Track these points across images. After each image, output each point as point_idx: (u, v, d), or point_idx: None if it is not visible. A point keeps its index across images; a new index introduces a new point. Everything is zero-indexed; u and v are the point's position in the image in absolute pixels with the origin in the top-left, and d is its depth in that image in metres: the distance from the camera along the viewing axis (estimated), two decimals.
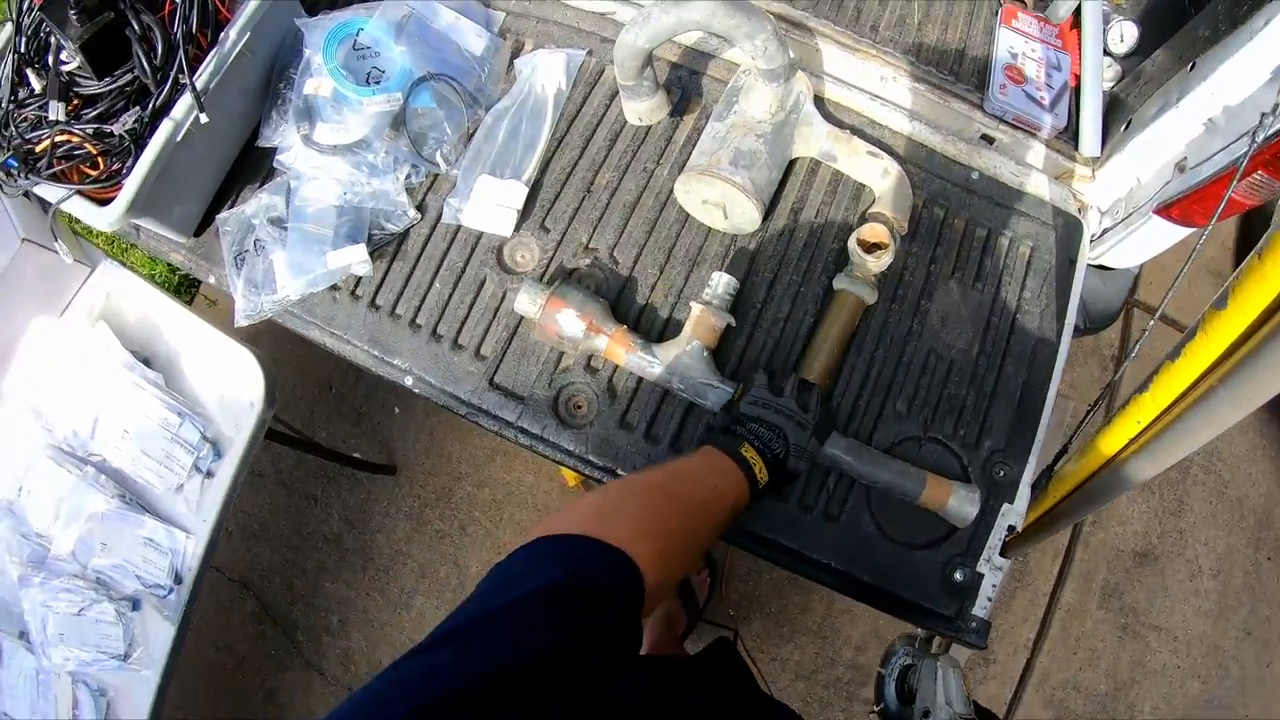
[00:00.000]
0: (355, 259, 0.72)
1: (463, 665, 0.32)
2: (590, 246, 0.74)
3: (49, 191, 0.79)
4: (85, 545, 0.90)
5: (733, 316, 0.72)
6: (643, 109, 0.74)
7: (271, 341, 1.26)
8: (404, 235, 0.76)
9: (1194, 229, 0.77)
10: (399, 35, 0.74)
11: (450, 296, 0.73)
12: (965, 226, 0.81)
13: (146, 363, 0.87)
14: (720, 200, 0.72)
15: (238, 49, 0.76)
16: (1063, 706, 1.39)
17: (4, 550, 0.93)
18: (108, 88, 0.78)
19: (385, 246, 0.75)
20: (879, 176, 0.77)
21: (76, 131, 0.77)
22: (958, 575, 0.72)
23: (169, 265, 1.82)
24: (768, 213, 0.75)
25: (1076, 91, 0.89)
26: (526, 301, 0.70)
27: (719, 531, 0.55)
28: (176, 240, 0.83)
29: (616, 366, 0.72)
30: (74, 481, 0.89)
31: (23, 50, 0.80)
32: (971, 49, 0.86)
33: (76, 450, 0.91)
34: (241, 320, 0.78)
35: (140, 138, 0.77)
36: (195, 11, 0.77)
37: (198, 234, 0.83)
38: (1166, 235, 0.80)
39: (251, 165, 0.82)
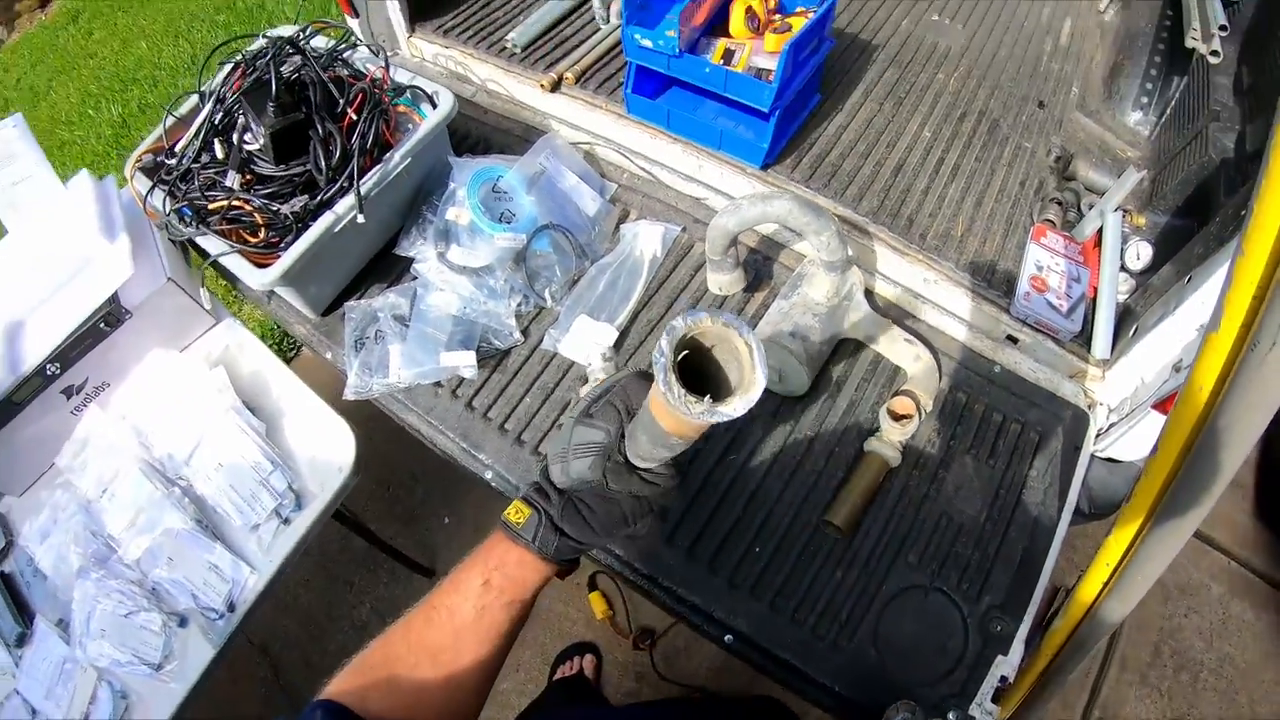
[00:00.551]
0: (464, 362, 0.95)
1: None
2: None
3: (211, 244, 1.03)
4: (152, 556, 1.08)
5: None
6: (723, 281, 0.99)
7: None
8: (507, 352, 0.99)
9: None
10: (530, 187, 1.00)
11: (538, 410, 0.95)
12: (984, 411, 1.04)
13: (253, 412, 1.08)
14: (777, 365, 0.95)
15: (398, 169, 1.02)
16: None
17: (71, 541, 1.11)
18: (283, 173, 1.04)
19: (489, 358, 0.98)
20: (912, 360, 1.01)
21: (252, 201, 1.01)
22: (951, 715, 0.86)
23: (281, 330, 2.14)
24: (815, 380, 0.98)
25: (1093, 302, 1.13)
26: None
27: (481, 615, 0.52)
28: (305, 315, 1.07)
29: None
30: (158, 497, 1.08)
31: (216, 123, 1.06)
32: (1004, 260, 1.11)
33: (167, 470, 1.11)
34: (350, 395, 1.00)
35: (303, 221, 1.02)
36: (372, 130, 1.03)
37: (325, 314, 1.06)
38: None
39: (382, 268, 1.08)
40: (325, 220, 0.99)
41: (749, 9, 1.08)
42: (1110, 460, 1.12)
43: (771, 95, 0.99)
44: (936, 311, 1.06)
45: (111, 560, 1.12)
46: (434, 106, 1.06)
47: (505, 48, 1.26)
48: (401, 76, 1.08)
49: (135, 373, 1.16)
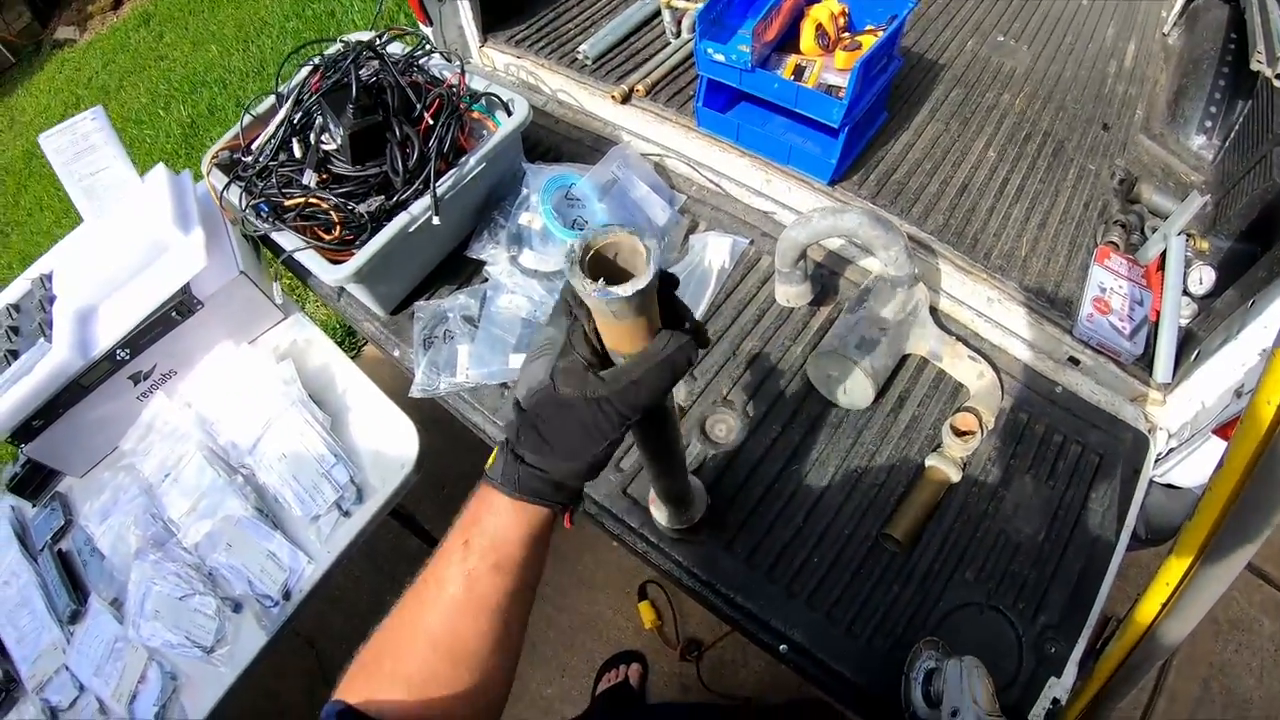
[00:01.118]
0: None
1: None
2: (728, 398, 1.01)
3: (287, 240, 1.08)
4: (210, 541, 1.12)
5: None
6: (791, 293, 1.02)
7: None
8: None
9: None
10: (603, 195, 1.05)
11: None
12: (1044, 431, 1.06)
13: (318, 405, 1.12)
14: (842, 377, 0.98)
15: (473, 174, 1.07)
16: None
17: (131, 522, 1.16)
18: (360, 173, 1.09)
19: None
20: (975, 378, 1.03)
21: (328, 199, 1.06)
22: None
23: (345, 328, 2.23)
24: (879, 395, 1.01)
25: (1155, 325, 1.14)
26: None
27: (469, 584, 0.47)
28: (374, 312, 1.12)
29: (734, 497, 0.95)
30: (220, 484, 1.13)
31: (294, 122, 1.12)
32: (1067, 281, 1.14)
33: (230, 458, 1.15)
34: (416, 392, 1.04)
35: (378, 220, 1.06)
36: (449, 134, 1.08)
37: (394, 313, 1.11)
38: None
39: (452, 269, 1.12)
40: (400, 220, 1.03)
41: (819, 26, 1.12)
42: (1169, 486, 1.13)
43: (842, 111, 1.03)
44: (999, 331, 1.08)
45: (170, 543, 1.16)
46: (509, 114, 1.10)
47: (576, 59, 1.31)
48: (476, 84, 1.13)
49: (203, 362, 1.22)
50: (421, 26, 1.41)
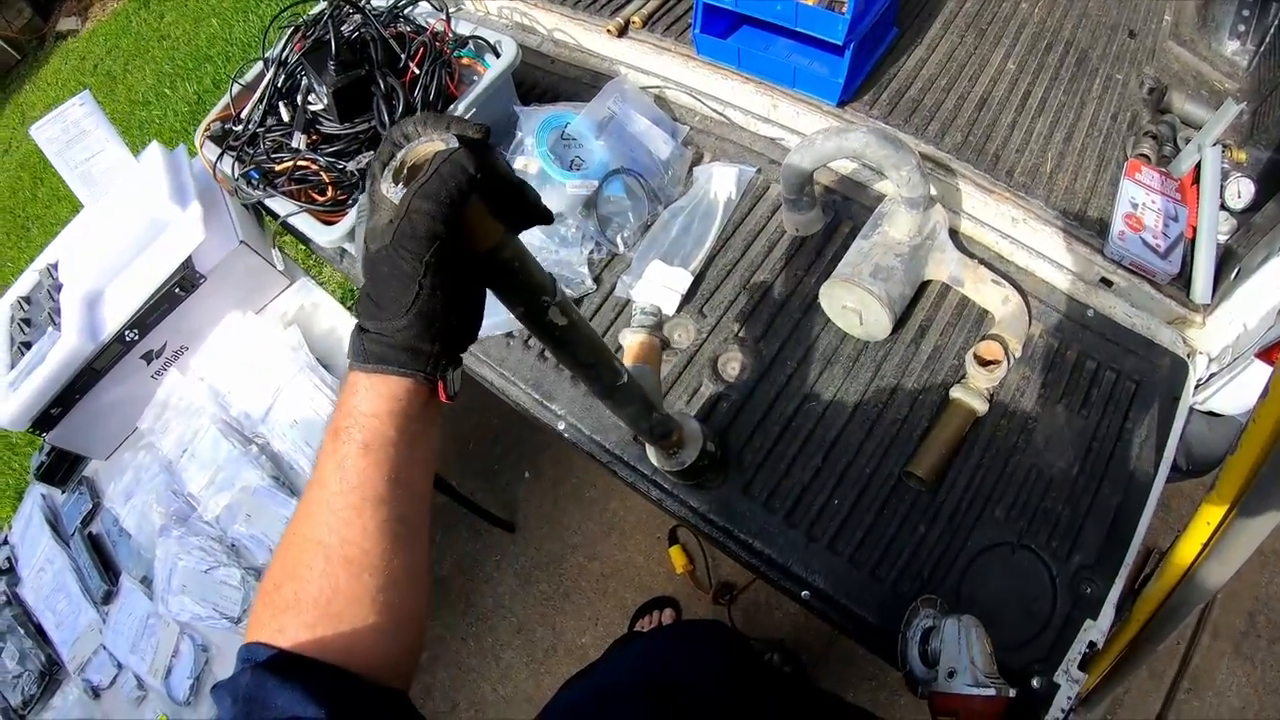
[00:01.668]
0: None
1: None
2: (740, 335, 0.95)
3: (280, 205, 1.04)
4: (230, 513, 1.11)
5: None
6: (800, 221, 0.96)
7: None
8: (579, 300, 0.98)
9: None
10: (600, 132, 0.99)
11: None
12: (1077, 358, 0.99)
13: (327, 369, 1.10)
14: (858, 307, 0.92)
15: None
16: None
17: (153, 500, 1.16)
18: (347, 131, 1.05)
19: None
20: (1000, 303, 0.96)
21: (318, 160, 1.03)
22: (1034, 682, 0.84)
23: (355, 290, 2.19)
24: (898, 325, 0.95)
25: (1191, 242, 1.06)
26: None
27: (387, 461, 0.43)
28: None
29: (749, 438, 0.91)
30: (235, 455, 1.12)
31: (279, 86, 1.08)
32: (1096, 198, 1.05)
33: (245, 429, 1.14)
34: None
35: None
36: (434, 83, 1.03)
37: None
38: (1267, 381, 0.94)
39: None
40: None
41: None
42: (1210, 414, 1.07)
43: (845, 27, 0.95)
44: (1025, 253, 1.01)
45: (192, 518, 1.16)
46: (497, 56, 1.05)
47: None
48: (463, 29, 1.07)
49: (212, 335, 1.20)
50: None
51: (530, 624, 1.70)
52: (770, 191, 1.02)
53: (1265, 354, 0.90)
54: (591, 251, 0.97)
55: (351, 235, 0.99)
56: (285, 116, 1.09)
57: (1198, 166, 1.10)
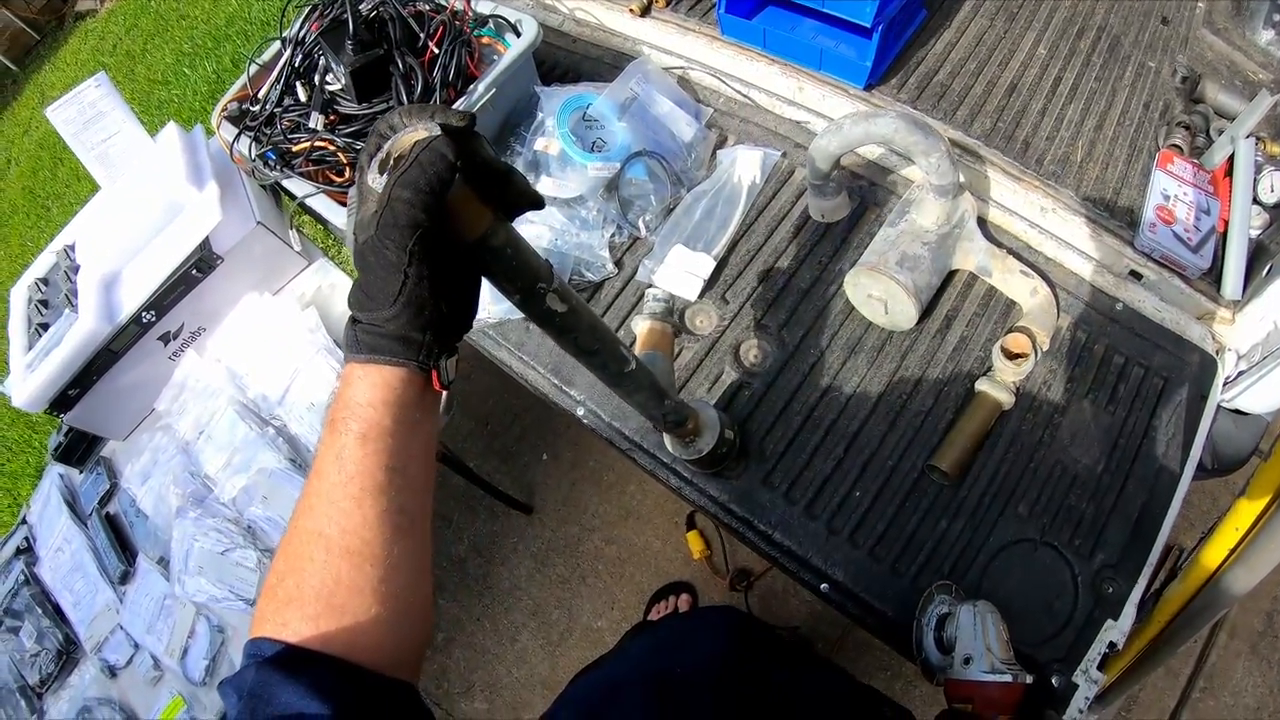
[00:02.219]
0: None
1: None
2: (763, 322, 0.93)
3: (297, 186, 1.02)
4: (247, 495, 1.10)
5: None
6: (826, 207, 0.93)
7: None
8: (600, 284, 0.95)
9: None
10: (622, 114, 0.96)
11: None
12: (1104, 352, 0.96)
13: None
14: (883, 296, 0.89)
15: (483, 101, 0.99)
16: None
17: (170, 481, 1.15)
18: (365, 111, 1.03)
19: (582, 291, 0.95)
20: (1028, 294, 0.93)
21: (336, 141, 1.00)
22: (1054, 680, 0.82)
23: None
24: (924, 315, 0.92)
25: (1223, 236, 1.03)
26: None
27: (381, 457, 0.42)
28: None
29: (770, 428, 0.88)
30: (252, 437, 1.10)
31: (296, 65, 1.05)
32: (1127, 188, 1.02)
33: (261, 411, 1.13)
34: None
35: None
36: (453, 62, 1.00)
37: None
38: None
39: None
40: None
41: None
42: (1237, 412, 1.03)
43: (874, 8, 0.91)
44: (1054, 243, 0.97)
45: (209, 499, 1.15)
46: (518, 35, 1.02)
47: None
48: (483, 7, 1.04)
49: (229, 316, 1.18)
50: None
51: (546, 606, 1.69)
52: (795, 176, 0.98)
53: None
54: (613, 235, 0.94)
55: None
56: (303, 96, 1.06)
57: (1230, 159, 1.06)
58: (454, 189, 0.41)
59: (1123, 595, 0.85)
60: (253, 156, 1.07)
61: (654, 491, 1.75)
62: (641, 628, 1.55)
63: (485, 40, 1.04)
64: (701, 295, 0.94)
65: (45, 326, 1.18)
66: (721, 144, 1.01)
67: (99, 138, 1.22)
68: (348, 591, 0.40)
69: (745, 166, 0.95)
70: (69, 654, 1.18)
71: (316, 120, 1.05)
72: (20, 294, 1.25)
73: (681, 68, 1.11)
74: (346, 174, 1.02)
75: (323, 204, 1.01)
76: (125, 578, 1.18)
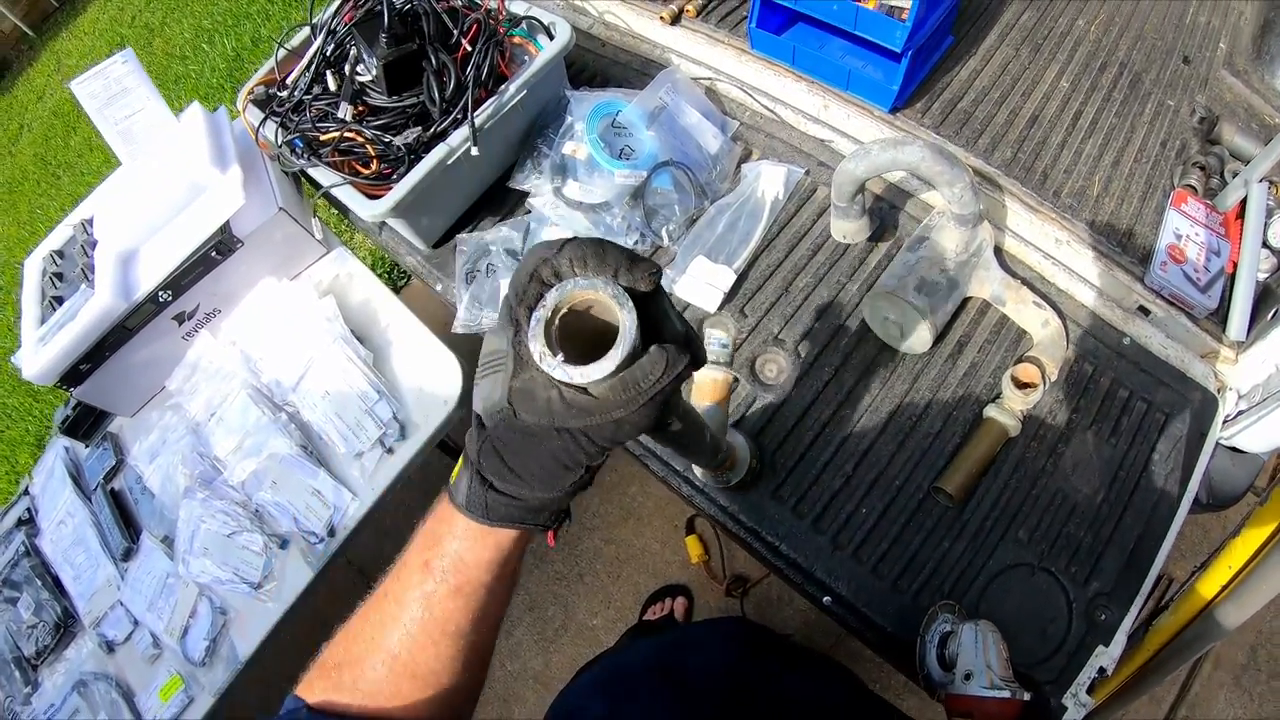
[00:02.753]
0: None
1: None
2: (779, 337, 0.94)
3: (323, 175, 1.02)
4: (256, 479, 1.10)
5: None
6: (848, 228, 0.94)
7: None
8: None
9: None
10: (651, 122, 0.96)
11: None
12: (1110, 385, 0.97)
13: (360, 341, 1.08)
14: (900, 320, 0.90)
15: (513, 102, 0.99)
16: None
17: (179, 461, 1.15)
18: (396, 104, 1.02)
19: None
20: (1040, 326, 0.94)
21: (364, 133, 1.00)
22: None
23: (391, 260, 2.16)
24: (937, 339, 0.92)
25: (1231, 278, 1.04)
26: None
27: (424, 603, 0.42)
28: (416, 246, 1.06)
29: (782, 441, 0.89)
30: (264, 422, 1.10)
31: (328, 54, 1.05)
32: (1141, 225, 1.03)
33: (275, 396, 1.13)
34: (459, 328, 0.98)
35: (416, 152, 1.00)
36: (487, 61, 1.00)
37: (436, 246, 1.05)
38: None
39: (495, 201, 1.05)
40: (439, 152, 0.97)
41: None
42: (1234, 450, 1.05)
43: (905, 35, 0.92)
44: (1066, 275, 0.98)
45: (217, 481, 1.15)
46: (551, 38, 1.02)
47: None
48: (516, 7, 1.04)
49: (246, 300, 1.18)
50: None
51: (542, 602, 1.70)
52: (818, 194, 0.99)
53: None
54: (636, 243, 0.95)
55: (395, 210, 0.96)
56: (332, 85, 1.06)
57: (1243, 202, 1.07)
58: None
59: (1115, 623, 0.86)
60: (279, 143, 1.07)
61: (655, 494, 1.76)
62: (643, 629, 1.56)
63: (517, 40, 1.04)
64: (721, 307, 0.95)
65: (59, 300, 1.18)
66: (746, 158, 1.02)
67: (123, 114, 1.21)
68: (401, 702, 0.41)
69: (769, 182, 0.96)
70: (67, 627, 1.17)
71: (345, 110, 1.04)
72: (35, 266, 1.24)
73: (709, 79, 1.11)
74: (373, 166, 1.02)
75: (348, 195, 1.01)
76: (128, 554, 1.18)
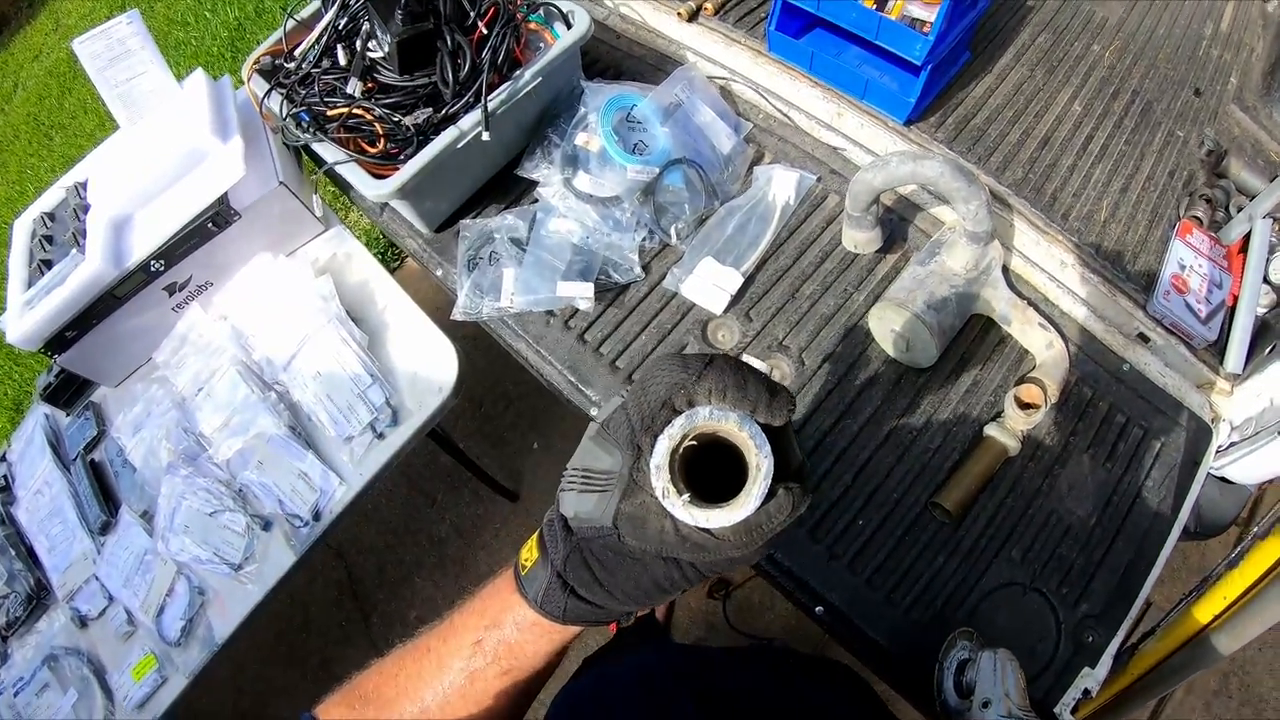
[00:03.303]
0: (581, 293, 0.90)
1: None
2: (784, 344, 0.92)
3: (327, 151, 0.99)
4: (242, 458, 1.07)
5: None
6: (860, 238, 0.92)
7: None
8: (625, 287, 0.94)
9: None
10: (665, 119, 0.94)
11: (652, 351, 0.91)
12: (1108, 410, 0.97)
13: (356, 323, 1.05)
14: (907, 333, 0.89)
15: (528, 88, 0.97)
16: None
17: (163, 436, 1.11)
18: (407, 83, 0.99)
19: (606, 292, 0.94)
20: (1044, 347, 0.94)
21: (373, 110, 0.97)
22: None
23: (386, 240, 2.10)
24: (942, 355, 0.91)
25: (1231, 311, 1.04)
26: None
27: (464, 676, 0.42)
28: (418, 230, 1.03)
29: None
30: (253, 400, 1.07)
31: (339, 28, 1.02)
32: (1145, 253, 1.03)
33: (265, 374, 1.10)
34: (458, 315, 0.96)
35: (425, 134, 0.97)
36: (504, 45, 0.98)
37: (438, 230, 1.02)
38: None
39: (501, 188, 1.03)
40: (449, 135, 0.94)
41: None
42: (1224, 480, 1.05)
43: (926, 48, 0.91)
44: (1070, 298, 0.98)
45: (201, 459, 1.11)
46: (568, 26, 1.00)
47: None
48: None
49: (240, 274, 1.14)
50: None
51: None
52: (828, 201, 0.98)
53: None
54: (644, 239, 0.93)
55: (400, 191, 0.94)
56: (342, 60, 1.03)
57: (1247, 237, 1.08)
58: None
59: (1102, 645, 0.86)
60: (284, 115, 1.04)
61: None
62: (644, 630, 1.52)
63: (533, 26, 1.01)
64: (727, 309, 0.93)
65: (48, 264, 1.14)
66: (758, 160, 1.01)
67: (124, 76, 1.17)
68: (364, 691, 0.42)
69: (781, 186, 0.95)
70: (39, 599, 1.14)
71: (355, 86, 1.02)
72: (24, 227, 1.20)
73: (724, 78, 1.10)
74: (380, 145, 0.99)
75: (353, 173, 0.98)
76: (106, 528, 1.14)
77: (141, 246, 1.09)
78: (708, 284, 0.91)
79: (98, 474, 1.21)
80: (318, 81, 1.03)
